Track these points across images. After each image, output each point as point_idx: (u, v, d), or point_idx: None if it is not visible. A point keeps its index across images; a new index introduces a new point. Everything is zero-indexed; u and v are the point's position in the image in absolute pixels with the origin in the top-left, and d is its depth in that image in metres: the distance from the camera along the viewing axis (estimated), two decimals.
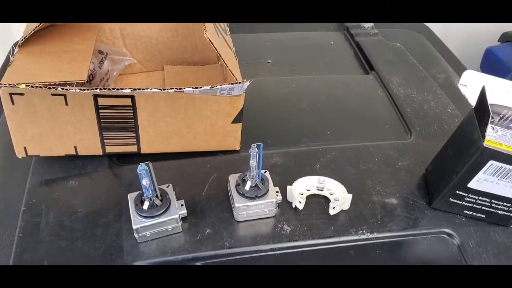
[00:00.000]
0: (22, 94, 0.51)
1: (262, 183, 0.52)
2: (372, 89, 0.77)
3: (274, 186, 0.53)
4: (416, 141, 0.65)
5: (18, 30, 1.18)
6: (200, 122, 0.57)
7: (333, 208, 0.53)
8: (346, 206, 0.54)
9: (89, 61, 0.57)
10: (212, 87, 0.49)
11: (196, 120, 0.57)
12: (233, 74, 0.52)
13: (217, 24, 0.60)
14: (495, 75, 0.63)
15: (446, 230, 0.53)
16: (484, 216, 0.54)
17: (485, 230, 0.54)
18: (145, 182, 0.47)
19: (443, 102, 0.74)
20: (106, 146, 0.58)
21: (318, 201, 0.55)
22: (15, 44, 0.62)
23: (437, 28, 1.02)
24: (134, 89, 0.49)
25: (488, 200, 0.52)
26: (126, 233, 0.51)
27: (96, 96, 0.53)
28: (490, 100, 0.48)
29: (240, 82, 0.51)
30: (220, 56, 0.52)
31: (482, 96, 0.49)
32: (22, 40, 0.58)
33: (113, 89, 0.49)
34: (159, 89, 0.48)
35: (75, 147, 0.58)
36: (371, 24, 0.95)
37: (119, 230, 0.51)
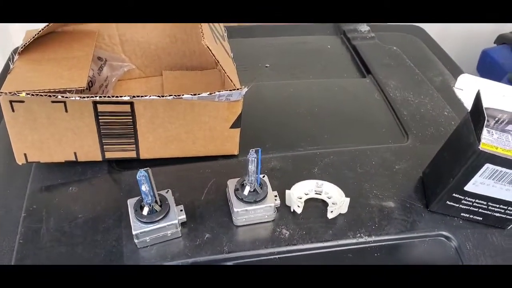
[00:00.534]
0: (22, 101, 0.52)
1: (261, 188, 0.53)
2: (369, 92, 0.78)
3: (273, 190, 0.54)
4: (413, 144, 0.66)
5: (16, 30, 1.19)
6: (199, 128, 0.58)
7: (331, 212, 0.54)
8: (344, 209, 0.54)
9: (88, 68, 0.57)
10: (210, 94, 0.50)
11: (195, 126, 0.58)
12: (231, 80, 0.53)
13: (215, 30, 0.60)
14: (491, 77, 0.64)
15: (444, 233, 0.54)
16: (481, 218, 0.54)
17: (482, 232, 0.54)
18: (144, 188, 0.47)
19: (439, 105, 0.74)
20: (105, 152, 0.58)
21: (316, 205, 0.56)
22: (15, 51, 0.63)
23: (433, 30, 1.03)
24: (133, 96, 0.49)
25: (485, 203, 0.52)
26: (126, 239, 0.51)
27: (95, 103, 0.53)
28: (486, 103, 0.49)
29: (238, 89, 0.52)
30: (218, 62, 0.52)
31: (478, 100, 0.50)
32: (22, 47, 0.58)
33: (113, 96, 0.49)
34: (158, 96, 0.49)
35: (75, 153, 0.58)
36: (367, 28, 0.96)
37: (119, 235, 0.52)
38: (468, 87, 0.58)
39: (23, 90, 0.49)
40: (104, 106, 0.54)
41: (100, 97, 0.50)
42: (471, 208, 0.53)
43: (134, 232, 0.49)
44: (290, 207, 0.55)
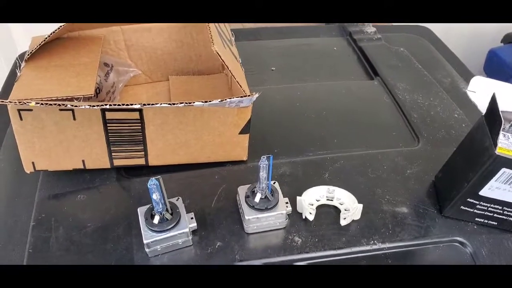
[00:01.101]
0: (30, 110, 0.51)
1: (272, 195, 0.52)
2: (377, 95, 0.77)
3: (284, 197, 0.53)
4: (424, 147, 0.65)
5: (19, 34, 1.19)
6: (208, 133, 0.57)
7: (344, 219, 0.53)
8: (357, 216, 0.54)
9: (95, 75, 0.57)
10: (221, 101, 0.49)
11: (204, 132, 0.57)
12: (240, 86, 0.52)
13: (223, 34, 0.60)
14: (499, 77, 0.63)
15: (458, 239, 0.53)
16: (496, 223, 0.53)
17: (498, 237, 0.53)
18: (155, 196, 0.47)
19: (449, 107, 0.74)
20: (114, 160, 0.58)
21: (328, 211, 0.55)
22: (21, 57, 0.62)
23: (439, 30, 1.02)
24: (144, 104, 0.49)
25: (500, 208, 0.51)
26: (137, 247, 0.51)
27: (104, 110, 0.53)
28: (501, 107, 0.48)
29: (249, 95, 0.51)
30: (228, 68, 0.52)
31: (493, 103, 0.49)
32: (28, 54, 0.58)
33: (122, 104, 0.49)
34: (169, 104, 0.48)
35: (83, 161, 0.57)
36: (373, 29, 0.95)
37: (130, 244, 0.51)
38: (481, 90, 0.57)
39: (32, 99, 0.48)
40: (112, 113, 0.53)
41: (110, 105, 0.49)
42: (486, 213, 0.53)
43: (145, 241, 0.49)
44: (301, 214, 0.54)
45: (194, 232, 0.52)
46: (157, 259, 0.50)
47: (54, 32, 0.58)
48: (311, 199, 0.55)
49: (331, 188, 0.56)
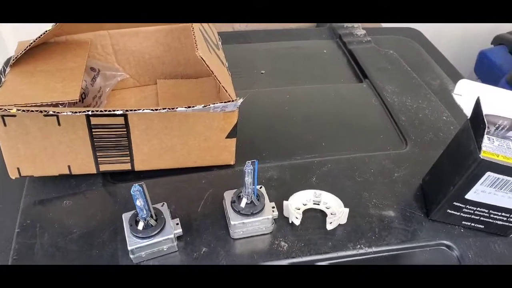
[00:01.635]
0: (14, 115, 0.51)
1: (258, 200, 0.52)
2: (366, 97, 0.77)
3: (270, 201, 0.53)
4: (412, 150, 0.65)
5: (6, 31, 1.18)
6: (194, 138, 0.57)
7: (330, 223, 0.53)
8: (343, 220, 0.53)
9: (81, 80, 0.56)
10: (205, 106, 0.49)
11: (190, 136, 0.57)
12: (226, 91, 0.52)
13: (208, 39, 0.59)
14: (489, 78, 0.63)
15: (445, 242, 0.53)
16: (482, 226, 0.53)
17: (484, 240, 0.53)
18: (139, 202, 0.46)
19: (438, 110, 0.74)
20: (99, 165, 0.58)
21: (315, 216, 0.55)
22: (6, 64, 0.62)
23: (430, 32, 1.03)
24: (127, 110, 0.48)
25: (486, 211, 0.51)
26: (122, 253, 0.50)
27: (88, 116, 0.52)
28: (486, 110, 0.48)
29: (233, 100, 0.51)
30: (213, 73, 0.51)
31: (477, 107, 0.49)
32: (14, 59, 0.57)
33: (105, 110, 0.48)
34: (152, 110, 0.48)
35: (69, 167, 0.57)
36: (363, 31, 0.95)
37: (115, 250, 0.51)
38: (467, 93, 0.57)
39: (15, 105, 0.48)
40: (97, 119, 0.53)
41: (93, 111, 0.49)
42: (472, 216, 0.53)
43: (129, 248, 0.48)
44: (288, 218, 0.54)
45: (179, 238, 0.51)
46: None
47: (40, 36, 0.57)
48: (297, 203, 0.55)
49: (318, 192, 0.56)
